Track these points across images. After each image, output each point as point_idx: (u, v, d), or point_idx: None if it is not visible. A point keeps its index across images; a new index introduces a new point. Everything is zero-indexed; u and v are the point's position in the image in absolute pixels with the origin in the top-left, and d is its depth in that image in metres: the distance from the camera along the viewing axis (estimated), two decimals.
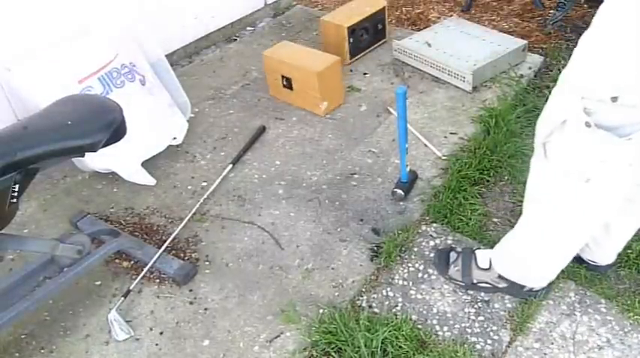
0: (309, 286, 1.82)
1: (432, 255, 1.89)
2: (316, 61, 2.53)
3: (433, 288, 1.79)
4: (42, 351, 1.69)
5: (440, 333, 1.66)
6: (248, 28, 3.42)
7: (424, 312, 1.72)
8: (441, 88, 2.70)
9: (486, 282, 1.73)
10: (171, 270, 1.84)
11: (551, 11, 3.20)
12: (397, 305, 1.74)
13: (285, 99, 2.68)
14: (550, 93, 1.33)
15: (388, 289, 1.80)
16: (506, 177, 2.19)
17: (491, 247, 1.74)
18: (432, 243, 1.94)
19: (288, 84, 2.60)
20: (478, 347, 1.62)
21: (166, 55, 2.53)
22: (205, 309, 1.77)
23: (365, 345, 1.57)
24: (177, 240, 2.00)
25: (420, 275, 1.84)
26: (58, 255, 1.67)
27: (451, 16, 3.32)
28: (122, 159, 2.20)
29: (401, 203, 2.10)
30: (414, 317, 1.70)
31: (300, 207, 2.12)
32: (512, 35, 2.91)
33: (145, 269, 1.85)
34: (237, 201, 2.17)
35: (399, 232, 1.95)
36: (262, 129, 2.52)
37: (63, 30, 2.14)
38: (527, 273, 1.66)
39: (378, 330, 1.60)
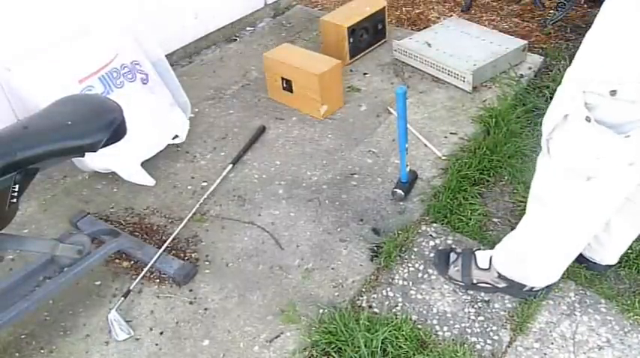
0: (309, 286, 1.82)
1: (432, 255, 1.89)
2: (317, 63, 2.53)
3: (433, 288, 1.79)
4: (42, 351, 1.69)
5: (440, 333, 1.66)
6: (248, 28, 3.42)
7: (424, 312, 1.72)
8: (441, 88, 2.70)
9: (486, 282, 1.73)
10: (171, 270, 1.84)
11: (551, 11, 3.21)
12: (397, 305, 1.74)
13: (284, 101, 2.67)
14: (550, 93, 1.33)
15: (388, 289, 1.80)
16: (506, 177, 2.19)
17: (491, 247, 1.74)
18: (432, 243, 1.94)
19: (288, 86, 2.60)
20: (478, 347, 1.62)
21: (166, 55, 2.53)
22: (205, 309, 1.77)
23: (365, 345, 1.57)
24: (177, 240, 2.00)
25: (420, 275, 1.84)
26: (58, 255, 1.67)
27: (451, 16, 3.32)
28: (122, 159, 2.20)
29: (401, 203, 2.10)
30: (414, 317, 1.70)
31: (300, 207, 2.12)
32: (512, 35, 2.91)
33: (145, 270, 1.85)
34: (237, 201, 2.17)
35: (399, 232, 1.95)
36: (262, 129, 2.52)
37: (63, 30, 2.15)
38: (529, 272, 1.66)
39: (378, 330, 1.60)
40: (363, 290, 1.80)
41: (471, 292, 1.76)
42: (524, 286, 1.69)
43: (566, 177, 1.31)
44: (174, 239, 1.98)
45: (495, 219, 2.03)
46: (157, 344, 1.68)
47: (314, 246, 1.96)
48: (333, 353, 1.59)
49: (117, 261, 1.94)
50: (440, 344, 1.62)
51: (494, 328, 1.66)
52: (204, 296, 1.81)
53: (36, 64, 2.07)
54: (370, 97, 2.69)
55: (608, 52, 1.15)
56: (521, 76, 2.70)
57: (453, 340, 1.63)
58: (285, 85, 2.61)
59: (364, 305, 1.75)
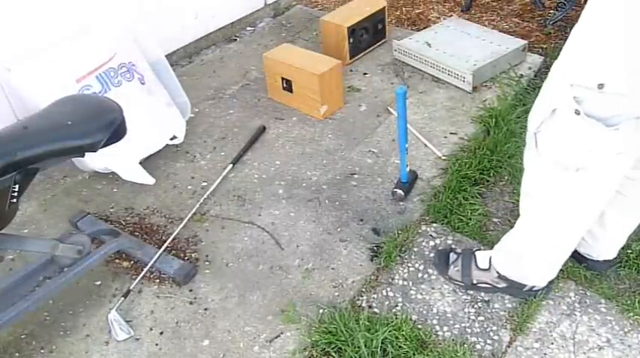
0: (309, 286, 1.82)
1: (432, 255, 1.89)
2: (317, 63, 2.52)
3: (433, 288, 1.79)
4: (42, 351, 1.69)
5: (440, 333, 1.66)
6: (248, 28, 3.42)
7: (424, 312, 1.72)
8: (441, 88, 2.70)
9: (486, 282, 1.73)
10: (171, 270, 1.84)
11: (551, 11, 3.21)
12: (397, 305, 1.74)
13: (284, 101, 2.67)
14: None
15: (388, 289, 1.80)
16: (506, 177, 2.19)
17: (491, 247, 1.74)
18: (432, 243, 1.94)
19: (288, 86, 2.60)
20: (478, 347, 1.62)
21: (166, 55, 2.53)
22: (205, 309, 1.77)
23: (365, 345, 1.57)
24: (177, 240, 2.00)
25: (420, 275, 1.84)
26: (58, 255, 1.67)
27: (451, 16, 3.32)
28: (120, 159, 2.19)
29: (401, 203, 2.10)
30: (414, 317, 1.70)
31: (300, 207, 2.12)
32: (512, 35, 2.91)
33: (145, 270, 1.85)
34: (237, 201, 2.17)
35: (399, 232, 1.95)
36: (262, 129, 2.52)
37: (63, 30, 2.14)
38: (527, 271, 1.66)
39: (378, 330, 1.60)
40: (363, 290, 1.80)
41: (471, 292, 1.76)
42: (524, 286, 1.69)
43: (555, 169, 1.32)
44: (174, 239, 1.98)
45: (495, 219, 2.03)
46: (156, 344, 1.68)
47: (314, 246, 1.96)
48: (333, 353, 1.59)
49: (117, 261, 1.94)
50: (440, 344, 1.62)
51: (494, 328, 1.66)
52: (204, 296, 1.81)
53: (35, 64, 2.07)
54: (370, 97, 2.69)
55: (595, 46, 1.16)
56: (521, 76, 2.70)
57: (453, 340, 1.63)
58: (285, 85, 2.61)
59: (364, 305, 1.75)
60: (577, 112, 1.20)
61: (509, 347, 1.61)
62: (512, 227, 1.64)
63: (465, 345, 1.61)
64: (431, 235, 1.97)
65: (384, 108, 2.61)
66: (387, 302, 1.76)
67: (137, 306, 1.79)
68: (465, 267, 1.76)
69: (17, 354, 1.68)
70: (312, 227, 2.03)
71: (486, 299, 1.74)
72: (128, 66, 2.25)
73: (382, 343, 1.58)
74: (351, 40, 2.88)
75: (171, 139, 2.39)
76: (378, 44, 3.06)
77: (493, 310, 1.71)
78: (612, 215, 1.58)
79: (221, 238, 2.02)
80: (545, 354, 1.59)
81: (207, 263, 1.93)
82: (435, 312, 1.72)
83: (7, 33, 2.11)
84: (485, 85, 2.67)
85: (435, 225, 2.01)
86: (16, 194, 1.39)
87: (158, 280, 1.87)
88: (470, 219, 1.99)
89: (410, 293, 1.78)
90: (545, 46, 2.96)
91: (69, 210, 2.14)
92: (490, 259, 1.72)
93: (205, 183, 2.26)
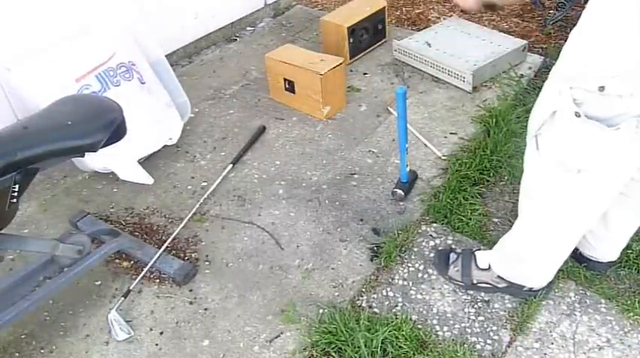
0: (309, 286, 1.82)
1: (432, 255, 1.89)
2: (320, 64, 2.51)
3: (433, 288, 1.79)
4: (42, 351, 1.69)
5: (440, 333, 1.66)
6: (248, 28, 3.42)
7: (424, 312, 1.72)
8: (441, 88, 2.70)
9: (486, 282, 1.73)
10: (171, 270, 1.84)
11: (551, 11, 3.21)
12: (397, 305, 1.74)
13: (286, 102, 2.67)
14: None
15: (388, 289, 1.80)
16: (506, 177, 2.19)
17: (491, 247, 1.74)
18: (432, 243, 1.94)
19: (290, 87, 2.60)
20: (478, 347, 1.62)
21: (166, 55, 2.53)
22: (205, 309, 1.77)
23: (365, 345, 1.57)
24: (177, 240, 2.00)
25: (420, 275, 1.84)
26: (58, 255, 1.67)
27: (451, 16, 3.32)
28: (119, 158, 2.19)
29: (401, 203, 2.10)
30: (414, 317, 1.70)
31: (300, 207, 2.12)
32: (512, 35, 2.91)
33: (145, 270, 1.85)
34: (237, 201, 2.17)
35: (399, 232, 1.95)
36: (262, 129, 2.52)
37: (63, 30, 2.14)
38: (525, 272, 1.66)
39: (378, 330, 1.60)
40: (363, 290, 1.80)
41: (471, 292, 1.76)
42: (524, 286, 1.69)
43: (557, 171, 1.32)
44: (174, 239, 1.98)
45: (495, 219, 2.03)
46: (156, 344, 1.68)
47: (314, 246, 1.96)
48: (333, 353, 1.59)
49: (117, 261, 1.94)
50: (440, 344, 1.62)
51: (494, 328, 1.66)
52: (204, 296, 1.81)
53: (35, 64, 2.07)
54: (370, 97, 2.69)
55: (595, 48, 1.16)
56: (521, 76, 2.70)
57: (453, 340, 1.63)
58: (287, 86, 2.61)
59: (364, 305, 1.75)
60: (577, 115, 1.20)
61: (509, 347, 1.61)
62: (512, 227, 1.64)
63: (465, 345, 1.61)
64: (431, 235, 1.97)
65: (384, 108, 2.61)
66: (387, 302, 1.76)
67: (137, 306, 1.79)
68: (465, 267, 1.76)
69: (17, 354, 1.68)
70: (312, 227, 2.03)
71: (486, 299, 1.74)
72: (128, 65, 2.25)
73: (382, 343, 1.58)
74: (351, 40, 2.88)
75: (168, 139, 2.39)
76: (378, 44, 3.06)
77: (493, 310, 1.71)
78: (615, 216, 1.58)
79: (221, 238, 2.02)
80: (545, 354, 1.59)
81: (207, 263, 1.93)
82: (435, 312, 1.72)
83: (7, 33, 2.11)
84: (485, 85, 2.67)
85: (435, 225, 2.01)
86: (16, 194, 1.39)
87: (158, 280, 1.87)
88: (470, 219, 1.99)
89: (410, 293, 1.78)
90: (545, 46, 2.96)
91: (69, 210, 2.14)
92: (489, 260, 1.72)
93: (205, 183, 2.26)
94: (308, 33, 3.29)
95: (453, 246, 1.91)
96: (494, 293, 1.74)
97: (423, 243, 1.94)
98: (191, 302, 1.80)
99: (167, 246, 1.93)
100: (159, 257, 1.87)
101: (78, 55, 2.14)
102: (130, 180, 2.23)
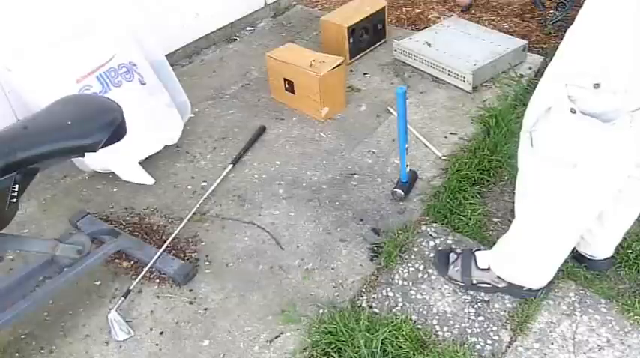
0: (309, 286, 1.82)
1: (432, 255, 1.89)
2: (320, 65, 2.50)
3: (433, 288, 1.79)
4: (42, 351, 1.69)
5: (440, 333, 1.66)
6: (248, 28, 3.42)
7: (424, 312, 1.72)
8: (441, 88, 2.70)
9: (486, 282, 1.73)
10: (171, 270, 1.84)
11: (551, 11, 3.21)
12: (397, 305, 1.74)
13: (287, 102, 2.67)
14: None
15: (388, 289, 1.80)
16: (506, 177, 2.19)
17: (491, 247, 1.74)
18: (432, 243, 1.94)
19: (290, 87, 2.60)
20: (478, 347, 1.62)
21: (166, 55, 2.53)
22: (205, 309, 1.77)
23: (365, 345, 1.57)
24: (177, 240, 2.00)
25: (420, 275, 1.84)
26: (58, 255, 1.67)
27: (451, 16, 3.32)
28: (119, 159, 2.19)
29: (401, 203, 2.10)
30: (414, 317, 1.70)
31: (300, 207, 2.12)
32: (512, 35, 2.91)
33: (145, 269, 1.85)
34: (237, 201, 2.17)
35: (399, 232, 1.95)
36: (262, 129, 2.52)
37: (63, 30, 2.14)
38: (524, 273, 1.66)
39: (378, 330, 1.60)
40: (363, 290, 1.80)
41: (471, 292, 1.76)
42: (524, 286, 1.69)
43: (552, 166, 1.33)
44: (174, 239, 1.98)
45: (495, 219, 2.03)
46: (157, 344, 1.68)
47: (314, 246, 1.96)
48: (333, 353, 1.59)
49: (117, 261, 1.94)
50: (440, 344, 1.62)
51: (495, 328, 1.66)
52: (204, 296, 1.81)
53: (36, 64, 2.07)
54: (370, 97, 2.69)
55: (591, 47, 1.18)
56: (521, 76, 2.70)
57: (453, 340, 1.63)
58: (287, 86, 2.61)
59: (364, 305, 1.75)
60: (572, 111, 1.21)
61: (509, 347, 1.61)
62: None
63: (465, 345, 1.61)
64: (431, 235, 1.97)
65: (384, 108, 2.61)
66: (387, 302, 1.76)
67: (137, 306, 1.79)
68: (465, 267, 1.76)
69: (17, 354, 1.68)
70: (312, 227, 2.03)
71: (486, 299, 1.74)
72: (129, 66, 2.25)
73: (382, 343, 1.58)
74: (351, 40, 2.88)
75: (168, 140, 2.39)
76: (378, 44, 3.06)
77: (493, 310, 1.71)
78: (609, 212, 1.58)
79: (221, 238, 2.02)
80: (545, 354, 1.59)
81: (207, 263, 1.93)
82: (435, 312, 1.72)
83: (7, 33, 2.11)
84: (485, 85, 2.67)
85: (435, 225, 2.01)
86: (16, 194, 1.39)
87: (158, 280, 1.87)
88: (470, 219, 1.99)
89: (410, 293, 1.78)
90: (545, 46, 2.96)
91: (69, 210, 2.14)
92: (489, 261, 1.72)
93: (205, 183, 2.26)
94: (308, 33, 3.29)
95: (453, 246, 1.91)
96: (494, 293, 1.74)
97: (423, 243, 1.94)
98: (191, 302, 1.80)
99: (167, 246, 1.93)
100: (159, 257, 1.87)
101: (79, 56, 2.14)
102: (130, 180, 2.23)
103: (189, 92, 2.55)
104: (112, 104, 1.55)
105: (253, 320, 1.73)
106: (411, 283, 1.81)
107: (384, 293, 1.79)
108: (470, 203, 2.04)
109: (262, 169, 2.32)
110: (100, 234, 1.96)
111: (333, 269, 1.87)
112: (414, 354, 1.57)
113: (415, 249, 1.92)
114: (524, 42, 2.78)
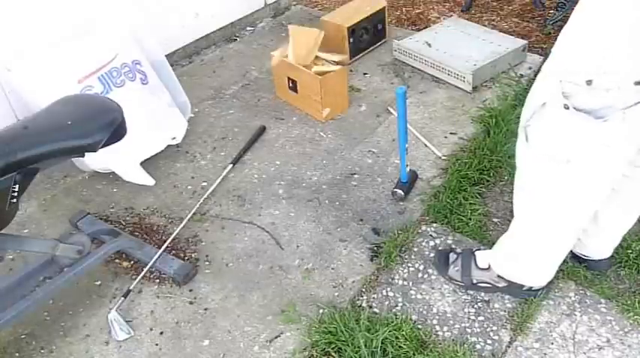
0: (309, 286, 1.82)
1: (432, 255, 1.89)
2: (322, 65, 2.50)
3: (433, 288, 1.79)
4: (42, 351, 1.69)
5: (440, 333, 1.66)
6: (248, 28, 3.42)
7: (424, 312, 1.72)
8: (441, 88, 2.70)
9: (486, 282, 1.73)
10: (171, 270, 1.84)
11: (551, 11, 3.21)
12: (397, 305, 1.74)
13: (290, 101, 2.67)
14: None
15: (388, 289, 1.80)
16: (506, 177, 2.19)
17: (491, 247, 1.74)
18: (432, 243, 1.94)
19: (293, 86, 2.60)
20: (478, 347, 1.62)
21: (166, 55, 2.53)
22: (205, 309, 1.77)
23: (365, 345, 1.57)
24: (177, 240, 2.00)
25: (420, 275, 1.84)
26: (58, 255, 1.67)
27: (451, 16, 3.32)
28: (121, 159, 2.19)
29: (401, 203, 2.10)
30: (414, 317, 1.70)
31: (300, 207, 2.12)
32: (512, 35, 2.91)
33: (145, 270, 1.85)
34: (237, 201, 2.17)
35: (399, 232, 1.95)
36: (262, 129, 2.52)
37: (63, 29, 2.14)
38: (524, 271, 1.66)
39: (378, 330, 1.60)
40: (363, 290, 1.80)
41: (471, 292, 1.76)
42: (524, 286, 1.69)
43: (548, 162, 1.34)
44: (174, 239, 1.98)
45: (495, 219, 2.03)
46: (156, 344, 1.68)
47: (314, 246, 1.96)
48: (333, 353, 1.59)
49: (117, 261, 1.94)
50: (440, 344, 1.62)
51: (495, 328, 1.66)
52: (204, 296, 1.81)
53: (36, 64, 2.07)
54: (370, 97, 2.69)
55: (584, 44, 1.20)
56: (521, 76, 2.70)
57: (453, 340, 1.63)
58: (290, 85, 2.61)
59: (364, 305, 1.75)
60: (566, 107, 1.23)
61: (509, 347, 1.61)
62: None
63: (465, 345, 1.61)
64: (431, 235, 1.97)
65: (384, 108, 2.61)
66: (387, 302, 1.76)
67: (137, 306, 1.79)
68: (465, 266, 1.76)
69: (17, 354, 1.68)
70: (312, 227, 2.03)
71: (486, 299, 1.74)
72: (130, 66, 2.25)
73: (382, 343, 1.58)
74: (351, 40, 2.88)
75: (170, 139, 2.39)
76: (378, 44, 3.06)
77: (493, 310, 1.71)
78: (605, 211, 1.58)
79: (221, 238, 2.02)
80: (545, 354, 1.59)
81: (207, 263, 1.93)
82: (435, 312, 1.72)
83: (8, 33, 2.11)
84: (485, 85, 2.67)
85: (435, 225, 2.01)
86: (16, 194, 1.39)
87: (158, 280, 1.87)
88: (470, 219, 1.99)
89: (410, 293, 1.78)
90: (545, 46, 2.96)
91: (69, 210, 2.14)
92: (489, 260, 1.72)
93: (205, 183, 2.26)
94: None
95: (453, 246, 1.91)
96: (494, 293, 1.74)
97: (423, 243, 1.94)
98: (191, 302, 1.80)
99: (167, 246, 1.93)
100: (159, 257, 1.87)
101: (80, 56, 2.14)
102: (131, 181, 2.23)
103: (189, 92, 2.55)
104: (112, 104, 1.55)
105: (253, 320, 1.73)
106: (411, 283, 1.81)
107: (384, 293, 1.79)
108: (470, 203, 2.04)
109: (262, 169, 2.32)
110: (100, 234, 1.96)
111: (333, 269, 1.87)
112: (414, 354, 1.57)
113: (415, 249, 1.92)
114: (524, 42, 2.78)
